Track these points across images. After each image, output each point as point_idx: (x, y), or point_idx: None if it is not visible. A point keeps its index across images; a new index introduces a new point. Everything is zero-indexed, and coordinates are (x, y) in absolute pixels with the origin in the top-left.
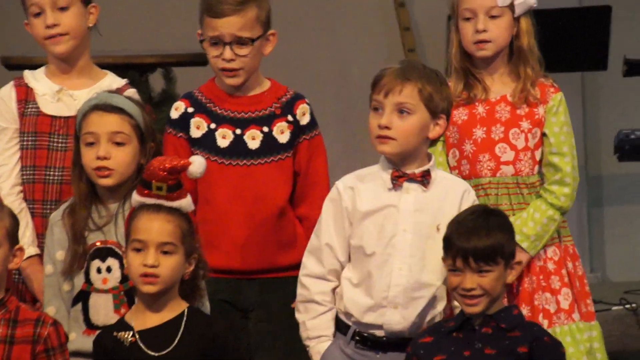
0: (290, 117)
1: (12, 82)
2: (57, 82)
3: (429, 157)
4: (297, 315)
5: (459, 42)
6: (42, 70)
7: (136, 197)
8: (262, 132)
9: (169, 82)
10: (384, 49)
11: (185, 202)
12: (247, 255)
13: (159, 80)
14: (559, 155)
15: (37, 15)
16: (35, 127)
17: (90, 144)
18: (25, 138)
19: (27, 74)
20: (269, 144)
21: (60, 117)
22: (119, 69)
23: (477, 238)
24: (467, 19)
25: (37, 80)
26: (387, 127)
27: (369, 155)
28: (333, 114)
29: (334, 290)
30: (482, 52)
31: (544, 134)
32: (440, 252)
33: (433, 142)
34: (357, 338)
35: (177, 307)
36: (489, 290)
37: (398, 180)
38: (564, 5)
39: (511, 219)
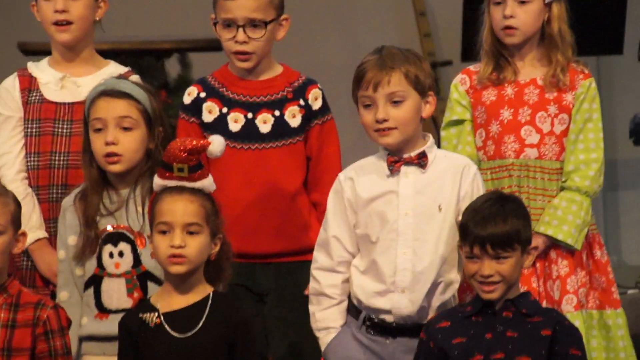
0: (302, 102)
1: (15, 73)
2: (60, 70)
3: (425, 138)
4: (310, 306)
5: (490, 25)
6: (45, 60)
7: (158, 181)
8: (273, 115)
9: (184, 67)
10: (398, 34)
11: (208, 182)
12: (260, 240)
13: (174, 65)
14: (574, 143)
15: None
16: (40, 114)
17: (99, 130)
18: (29, 125)
19: (31, 65)
20: (280, 128)
21: (64, 104)
22: (135, 54)
23: (493, 225)
24: (497, 3)
25: (41, 70)
26: (385, 120)
27: None
28: (346, 102)
29: (346, 280)
30: (510, 39)
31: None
32: (443, 231)
33: (424, 121)
34: (368, 323)
35: (202, 290)
36: (506, 276)
37: (395, 165)
38: None
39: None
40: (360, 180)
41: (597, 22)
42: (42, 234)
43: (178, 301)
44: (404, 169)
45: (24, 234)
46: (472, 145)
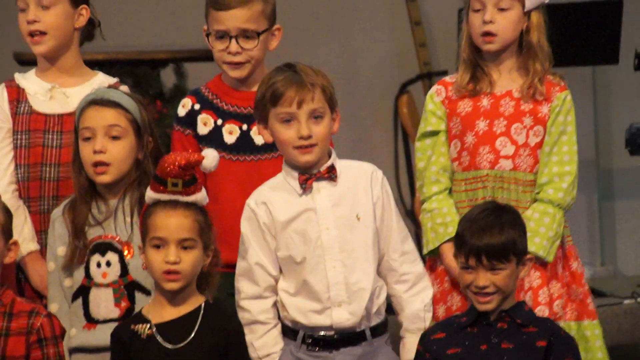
0: None
1: (3, 84)
2: (47, 80)
3: (329, 152)
4: (245, 337)
5: (468, 34)
6: (32, 71)
7: (151, 194)
8: None
9: (180, 77)
10: (393, 44)
11: (201, 196)
12: None
13: (170, 75)
14: (548, 155)
15: (23, 11)
16: (29, 125)
17: (87, 139)
18: (19, 137)
19: (18, 76)
20: None
21: (53, 115)
22: (130, 64)
23: (489, 236)
24: (477, 11)
25: (28, 80)
26: (309, 136)
27: (377, 151)
28: (342, 110)
29: (274, 304)
30: (489, 46)
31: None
32: (367, 238)
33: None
34: (309, 341)
35: (194, 301)
36: (502, 287)
37: (307, 183)
38: None
39: None
40: (274, 203)
41: (593, 32)
42: (35, 246)
43: (170, 312)
44: (315, 184)
45: (16, 244)
46: (445, 157)
